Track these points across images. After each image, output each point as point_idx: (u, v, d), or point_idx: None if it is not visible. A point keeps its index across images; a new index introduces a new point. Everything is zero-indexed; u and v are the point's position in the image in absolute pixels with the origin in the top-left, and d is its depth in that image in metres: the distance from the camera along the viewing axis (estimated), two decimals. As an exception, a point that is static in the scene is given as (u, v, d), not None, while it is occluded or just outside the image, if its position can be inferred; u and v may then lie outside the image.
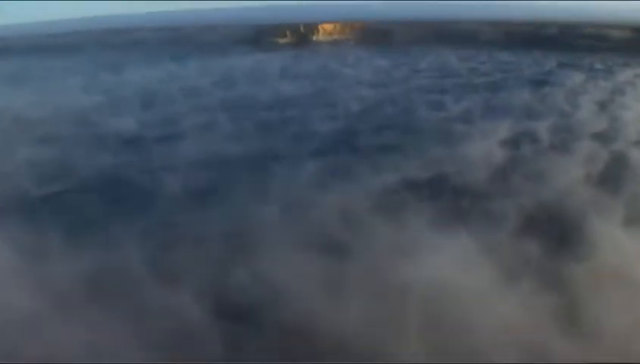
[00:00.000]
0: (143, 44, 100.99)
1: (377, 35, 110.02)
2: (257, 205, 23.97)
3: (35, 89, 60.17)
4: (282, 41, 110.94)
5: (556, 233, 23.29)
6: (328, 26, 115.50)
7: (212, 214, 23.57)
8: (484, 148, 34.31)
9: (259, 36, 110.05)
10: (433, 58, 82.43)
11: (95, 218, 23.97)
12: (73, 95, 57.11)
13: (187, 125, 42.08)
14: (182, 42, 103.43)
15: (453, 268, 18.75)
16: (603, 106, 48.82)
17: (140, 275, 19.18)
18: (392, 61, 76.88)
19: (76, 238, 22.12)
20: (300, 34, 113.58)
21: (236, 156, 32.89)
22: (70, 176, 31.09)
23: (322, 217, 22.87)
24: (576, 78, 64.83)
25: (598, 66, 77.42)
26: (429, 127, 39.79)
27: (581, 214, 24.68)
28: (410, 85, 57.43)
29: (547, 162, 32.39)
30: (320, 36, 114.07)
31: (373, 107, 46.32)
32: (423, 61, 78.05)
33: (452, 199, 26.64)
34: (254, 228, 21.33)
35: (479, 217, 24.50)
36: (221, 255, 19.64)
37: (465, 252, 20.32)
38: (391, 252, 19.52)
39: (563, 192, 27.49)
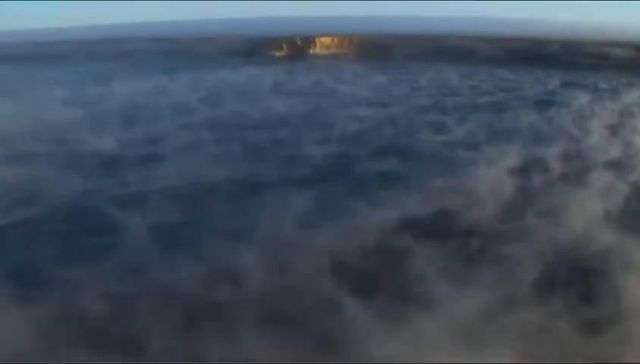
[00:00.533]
0: (135, 55, 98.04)
1: (375, 49, 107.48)
2: (234, 251, 20.68)
3: (14, 101, 56.99)
4: (278, 54, 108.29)
5: (579, 288, 20.10)
6: (326, 40, 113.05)
7: (181, 259, 20.25)
8: (491, 178, 31.20)
9: (255, 48, 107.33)
10: (432, 75, 79.75)
11: (45, 259, 20.68)
12: (53, 109, 53.92)
13: (169, 146, 38.88)
14: (175, 54, 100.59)
15: (462, 340, 15.58)
16: (613, 130, 45.95)
17: (91, 338, 15.95)
18: (390, 77, 74.10)
19: (21, 282, 18.96)
20: (297, 47, 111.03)
21: (218, 185, 29.65)
22: (29, 204, 27.77)
23: (309, 268, 19.63)
24: (582, 99, 62.08)
25: (603, 85, 74.89)
26: (431, 152, 36.69)
27: (606, 264, 21.59)
28: (410, 104, 54.49)
29: (561, 196, 29.27)
30: (317, 50, 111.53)
31: (370, 128, 43.29)
32: (422, 78, 75.29)
33: (458, 242, 23.43)
34: (226, 285, 18.02)
35: (489, 266, 21.34)
36: (187, 321, 16.29)
37: (476, 315, 17.18)
38: (386, 318, 16.31)
39: (583, 236, 24.32)
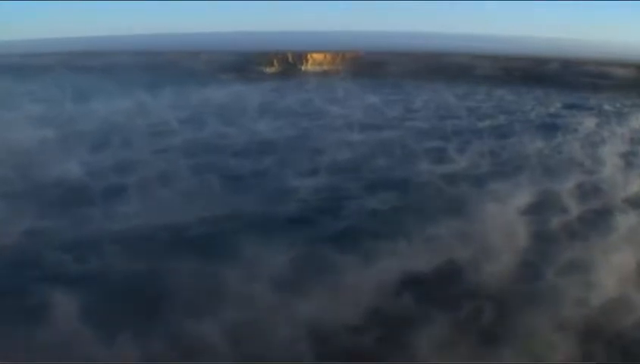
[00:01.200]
0: (119, 69, 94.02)
1: (369, 66, 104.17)
2: (195, 327, 16.54)
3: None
4: (268, 70, 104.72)
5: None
6: (318, 56, 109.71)
7: (127, 340, 16.03)
8: (501, 221, 27.23)
9: (245, 64, 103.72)
10: (428, 95, 76.32)
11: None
12: (21, 128, 49.42)
13: (139, 176, 34.60)
14: (161, 69, 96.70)
15: None
16: (627, 160, 42.44)
17: None
18: (384, 98, 70.47)
19: None
20: (288, 63, 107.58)
21: (186, 230, 25.61)
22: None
23: (285, 350, 15.52)
24: (587, 122, 58.64)
25: (607, 107, 71.67)
26: (432, 187, 32.73)
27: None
28: (405, 128, 50.80)
29: (584, 246, 25.33)
30: (309, 66, 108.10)
31: (363, 157, 39.38)
32: (418, 98, 71.85)
33: (468, 310, 19.39)
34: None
35: (507, 344, 17.35)
36: None
37: None
38: None
39: (617, 299, 20.41)
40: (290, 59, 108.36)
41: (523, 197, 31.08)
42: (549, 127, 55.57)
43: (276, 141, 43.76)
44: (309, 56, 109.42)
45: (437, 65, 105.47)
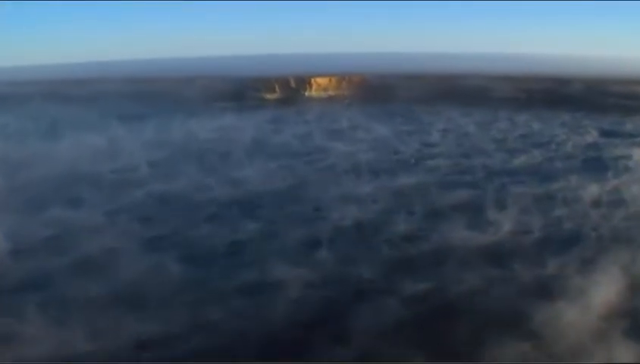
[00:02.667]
0: (103, 98, 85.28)
1: (376, 91, 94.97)
2: None
3: None
4: (269, 96, 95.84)
5: None
6: (322, 81, 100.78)
7: None
8: (590, 336, 17.39)
9: (243, 90, 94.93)
10: (445, 124, 66.81)
11: None
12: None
13: (81, 253, 25.36)
14: (150, 97, 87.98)
15: None
16: None
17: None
18: (396, 128, 61.03)
19: None
20: (290, 89, 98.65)
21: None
22: None
23: None
24: (637, 155, 48.89)
25: (651, 136, 61.77)
26: (474, 276, 22.85)
27: None
28: (425, 171, 41.10)
29: None
30: (313, 91, 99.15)
31: (376, 220, 29.61)
32: (434, 129, 62.23)
33: None
34: None
35: None
36: None
37: None
38: None
39: None
40: (293, 84, 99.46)
41: (609, 291, 21.10)
42: (595, 164, 45.78)
43: (264, 196, 34.23)
44: (312, 81, 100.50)
45: (450, 88, 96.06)
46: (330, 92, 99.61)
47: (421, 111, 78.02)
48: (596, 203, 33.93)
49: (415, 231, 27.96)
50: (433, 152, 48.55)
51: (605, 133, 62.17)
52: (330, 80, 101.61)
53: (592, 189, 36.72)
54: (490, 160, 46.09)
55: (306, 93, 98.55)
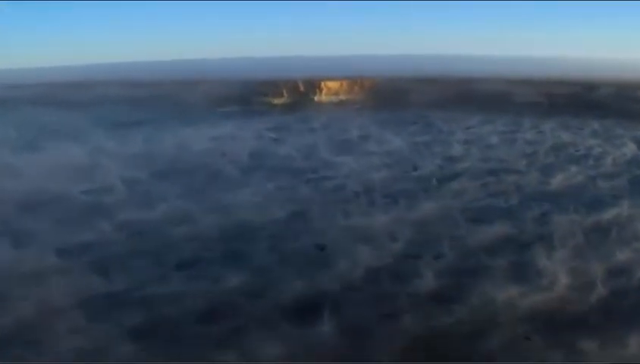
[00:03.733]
0: (101, 103, 79.61)
1: (390, 95, 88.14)
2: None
3: None
4: (276, 101, 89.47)
5: None
6: (333, 84, 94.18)
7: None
8: None
9: (249, 94, 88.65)
10: (466, 134, 59.86)
11: None
12: None
13: (10, 317, 19.11)
14: (150, 102, 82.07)
15: None
16: None
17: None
18: (411, 139, 54.29)
19: None
20: (299, 92, 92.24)
21: None
22: None
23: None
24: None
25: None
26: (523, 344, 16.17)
27: None
28: (449, 195, 34.24)
29: None
30: (323, 96, 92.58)
31: (391, 272, 22.89)
32: (454, 139, 55.34)
33: None
34: None
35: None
36: None
37: None
38: None
39: None
40: (302, 88, 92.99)
41: None
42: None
43: (256, 230, 27.67)
44: (322, 84, 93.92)
45: (467, 93, 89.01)
46: (342, 97, 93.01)
47: (437, 117, 71.06)
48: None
49: (446, 287, 21.24)
50: (456, 169, 41.66)
51: (645, 146, 54.91)
52: (341, 84, 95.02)
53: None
54: (524, 179, 39.15)
55: (316, 98, 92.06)
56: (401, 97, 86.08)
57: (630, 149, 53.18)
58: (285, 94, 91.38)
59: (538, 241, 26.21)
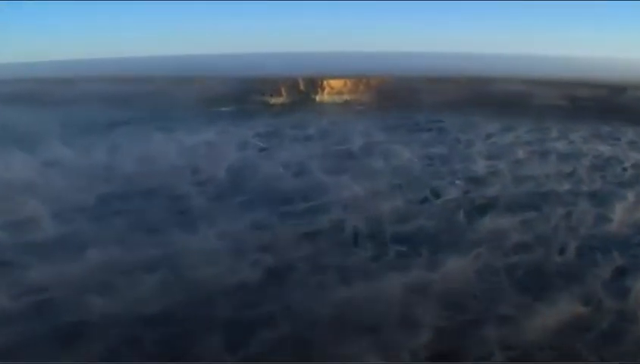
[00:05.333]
0: (83, 101, 70.37)
1: (399, 95, 78.42)
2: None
3: None
4: (274, 101, 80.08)
5: None
6: (336, 83, 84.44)
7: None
8: None
9: (245, 93, 79.23)
10: (486, 143, 50.45)
11: None
12: None
13: None
14: (135, 100, 72.83)
15: None
16: None
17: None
18: (424, 151, 44.97)
19: None
20: (299, 92, 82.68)
21: None
22: None
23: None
24: None
25: None
26: None
27: None
28: (484, 244, 24.60)
29: None
30: (325, 95, 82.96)
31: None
32: (473, 151, 45.99)
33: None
34: None
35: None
36: None
37: None
38: None
39: None
40: (302, 87, 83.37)
41: None
42: None
43: (209, 309, 18.36)
44: (325, 83, 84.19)
45: (484, 94, 79.07)
46: (345, 97, 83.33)
47: (452, 123, 61.46)
48: None
49: None
50: (485, 196, 32.17)
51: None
52: (345, 83, 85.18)
53: None
54: (574, 213, 29.63)
55: (317, 97, 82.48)
56: (410, 98, 76.45)
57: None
58: (284, 93, 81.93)
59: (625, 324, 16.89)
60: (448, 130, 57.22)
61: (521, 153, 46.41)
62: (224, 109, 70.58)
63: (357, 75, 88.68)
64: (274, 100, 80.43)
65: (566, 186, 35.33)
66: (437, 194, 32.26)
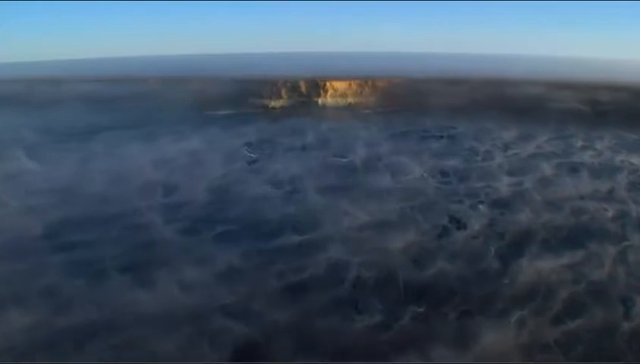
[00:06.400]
0: (66, 103, 64.74)
1: (407, 99, 72.31)
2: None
3: None
4: (272, 103, 74.19)
5: None
6: (340, 85, 78.38)
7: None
8: None
9: (242, 95, 73.26)
10: (506, 155, 44.43)
11: None
12: None
13: None
14: (124, 102, 67.11)
15: None
16: None
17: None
18: (435, 166, 38.92)
19: None
20: (300, 94, 76.71)
21: None
22: None
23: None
24: None
25: None
26: None
27: None
28: (528, 309, 18.60)
29: None
30: (328, 98, 76.93)
31: None
32: (492, 164, 40.12)
33: None
34: None
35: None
36: None
37: None
38: None
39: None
40: (303, 89, 77.33)
41: None
42: None
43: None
44: (328, 85, 78.10)
45: (498, 97, 72.78)
46: (350, 99, 77.20)
47: (465, 130, 55.44)
48: None
49: None
50: (517, 230, 26.17)
51: None
52: (349, 85, 79.04)
53: None
54: (630, 252, 23.62)
55: (320, 100, 76.42)
56: (419, 101, 70.34)
57: None
58: (284, 95, 76.00)
59: None
60: (461, 138, 51.24)
61: (547, 168, 40.44)
62: (218, 113, 64.85)
63: (362, 76, 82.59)
64: (273, 103, 74.55)
65: (609, 212, 29.34)
66: (457, 223, 26.33)
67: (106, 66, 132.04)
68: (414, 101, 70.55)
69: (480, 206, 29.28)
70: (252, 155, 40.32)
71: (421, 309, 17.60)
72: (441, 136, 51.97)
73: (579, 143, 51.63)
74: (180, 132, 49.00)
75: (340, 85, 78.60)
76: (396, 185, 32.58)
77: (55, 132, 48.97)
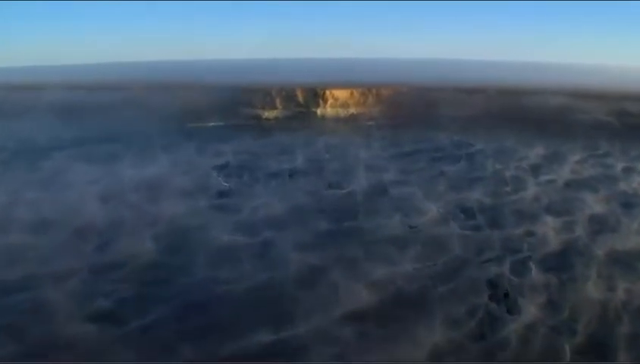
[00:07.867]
0: (28, 115, 56.67)
1: (414, 109, 64.16)
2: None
3: None
4: (266, 114, 66.14)
5: None
6: (341, 93, 70.24)
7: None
8: None
9: (232, 105, 65.16)
10: (537, 184, 36.06)
11: None
12: None
13: None
14: (96, 113, 59.07)
15: None
16: None
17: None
18: (456, 200, 30.54)
19: None
20: (296, 104, 68.63)
21: None
22: None
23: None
24: None
25: None
26: None
27: None
28: None
29: None
30: (327, 108, 68.84)
31: None
32: (526, 196, 31.97)
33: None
34: None
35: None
36: None
37: None
38: None
39: None
40: (300, 98, 69.21)
41: None
42: None
43: None
44: (327, 93, 69.95)
45: (518, 108, 64.64)
46: (352, 110, 69.06)
47: (485, 148, 47.20)
48: None
49: None
50: (591, 319, 17.68)
51: None
52: (351, 93, 70.84)
53: None
54: None
55: (318, 111, 68.35)
56: (429, 112, 62.24)
57: None
58: (278, 105, 67.94)
59: None
60: (481, 159, 43.03)
61: (593, 202, 32.13)
62: (203, 124, 56.85)
63: (366, 84, 74.36)
64: (267, 113, 66.49)
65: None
66: (504, 302, 17.87)
67: (89, 72, 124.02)
68: (423, 113, 62.39)
69: (527, 269, 20.88)
70: (225, 184, 32.01)
71: None
72: (458, 157, 43.73)
73: (619, 165, 43.58)
74: (149, 150, 40.87)
75: (341, 94, 70.48)
76: (409, 232, 24.25)
77: (5, 148, 40.93)
